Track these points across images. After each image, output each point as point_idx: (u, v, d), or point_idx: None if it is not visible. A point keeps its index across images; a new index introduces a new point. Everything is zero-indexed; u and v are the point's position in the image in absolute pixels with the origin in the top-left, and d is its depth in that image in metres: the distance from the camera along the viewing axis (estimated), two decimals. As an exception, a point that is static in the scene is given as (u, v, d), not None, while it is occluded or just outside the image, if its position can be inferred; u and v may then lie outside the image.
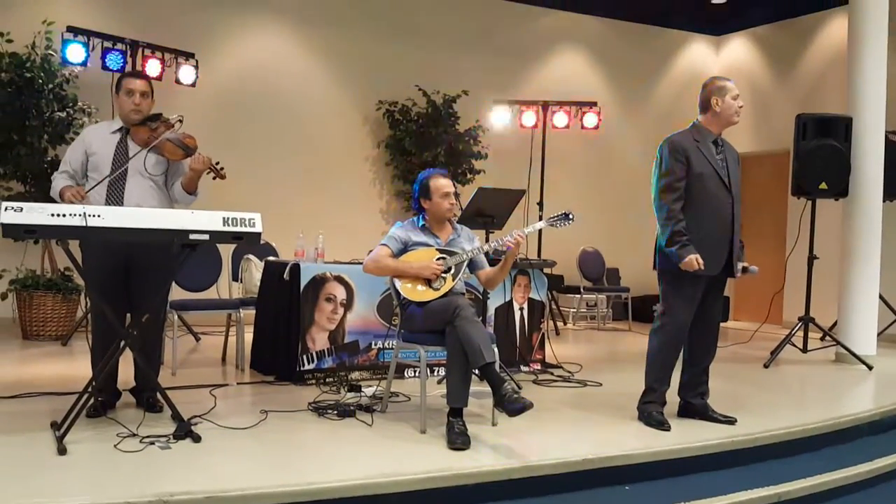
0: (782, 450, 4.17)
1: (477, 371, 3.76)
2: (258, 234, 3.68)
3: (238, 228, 3.61)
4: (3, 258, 6.79)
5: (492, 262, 4.45)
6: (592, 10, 10.09)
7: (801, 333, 7.01)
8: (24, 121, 6.53)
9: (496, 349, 3.85)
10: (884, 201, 6.85)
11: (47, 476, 3.03)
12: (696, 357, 4.37)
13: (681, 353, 4.34)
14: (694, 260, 4.07)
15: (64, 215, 3.30)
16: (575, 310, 9.23)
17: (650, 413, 4.23)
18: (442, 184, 4.26)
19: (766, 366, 6.45)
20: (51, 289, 6.52)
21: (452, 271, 4.14)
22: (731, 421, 4.24)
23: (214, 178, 4.12)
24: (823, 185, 6.71)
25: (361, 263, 4.39)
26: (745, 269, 4.32)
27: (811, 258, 6.94)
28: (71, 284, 6.61)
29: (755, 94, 10.38)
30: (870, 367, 6.39)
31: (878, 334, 6.94)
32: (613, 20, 10.28)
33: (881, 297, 6.97)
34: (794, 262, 7.41)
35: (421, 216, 4.33)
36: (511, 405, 3.55)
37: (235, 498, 2.91)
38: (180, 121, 4.10)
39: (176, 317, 5.44)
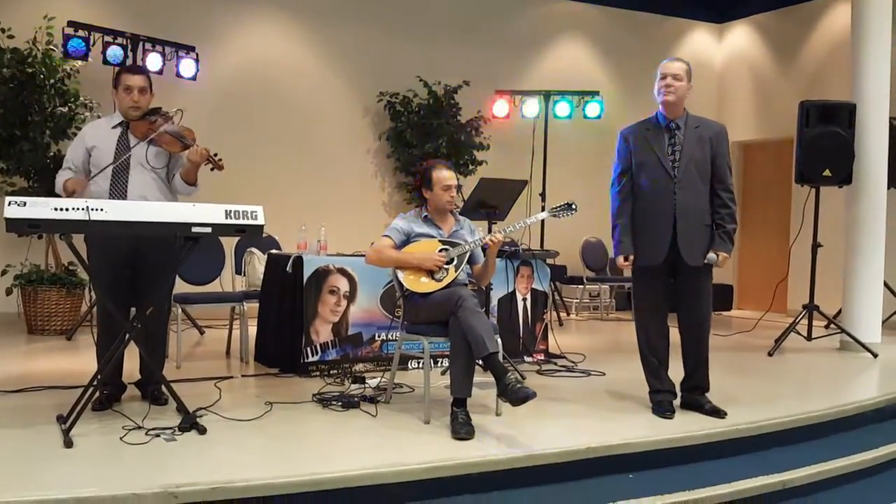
0: (786, 437, 4.18)
1: (480, 361, 3.76)
2: (261, 227, 3.68)
3: (240, 221, 3.62)
4: (8, 253, 6.81)
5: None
6: (593, -1, 10.07)
7: (805, 321, 7.00)
8: (26, 116, 6.53)
9: (499, 339, 3.86)
10: (888, 188, 6.82)
11: (54, 469, 3.05)
12: (684, 351, 4.34)
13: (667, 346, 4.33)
14: (622, 257, 4.20)
15: (67, 209, 3.31)
16: (578, 300, 9.23)
17: (658, 402, 4.26)
18: (444, 175, 4.26)
19: (770, 354, 6.45)
20: (55, 283, 6.54)
21: (455, 262, 4.15)
22: (719, 414, 4.14)
23: (212, 169, 4.13)
24: (827, 173, 6.68)
25: (364, 255, 4.40)
26: (706, 262, 4.16)
27: (815, 246, 6.92)
28: (75, 279, 6.62)
29: (758, 82, 10.35)
30: (874, 355, 6.38)
31: (883, 322, 6.92)
32: (614, 8, 10.23)
33: (886, 284, 6.95)
34: (797, 250, 7.38)
35: (424, 207, 4.34)
36: (514, 395, 3.56)
37: (241, 489, 2.92)
38: (181, 111, 4.10)
39: (180, 310, 5.45)
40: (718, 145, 4.22)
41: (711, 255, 4.15)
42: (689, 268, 4.16)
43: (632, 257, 4.20)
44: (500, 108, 8.71)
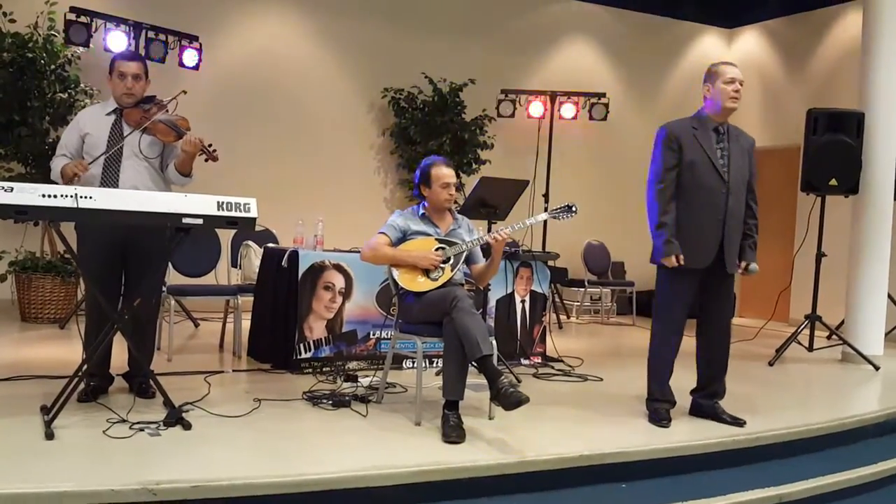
0: (784, 450, 4.10)
1: (474, 363, 3.68)
2: (253, 220, 3.61)
3: (233, 213, 3.55)
4: (3, 240, 6.76)
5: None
6: (602, 0, 9.98)
7: (807, 332, 6.91)
8: (25, 102, 6.46)
9: (494, 342, 3.78)
10: (895, 199, 6.73)
11: (33, 461, 2.98)
12: (703, 357, 4.29)
13: (692, 353, 4.25)
14: (673, 257, 4.01)
15: (55, 196, 3.24)
16: (579, 303, 9.15)
17: (655, 410, 4.18)
18: (443, 173, 4.18)
19: (770, 364, 6.37)
20: (50, 271, 6.47)
21: (451, 262, 4.07)
22: (739, 423, 4.12)
23: (206, 160, 4.05)
24: (834, 182, 6.60)
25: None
26: (745, 269, 4.18)
27: (819, 255, 6.84)
28: (70, 267, 6.55)
29: (766, 88, 10.26)
30: (876, 368, 6.30)
31: (886, 334, 6.83)
32: (624, 10, 10.15)
33: (889, 296, 6.86)
34: (801, 259, 7.30)
35: (421, 205, 4.26)
36: (507, 399, 3.48)
37: (223, 487, 2.85)
38: (176, 100, 4.02)
39: (173, 302, 5.38)
40: (752, 157, 4.22)
41: (754, 266, 4.16)
42: (722, 274, 4.13)
43: (681, 257, 4.05)
44: (506, 107, 8.64)
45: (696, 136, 4.08)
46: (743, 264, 4.19)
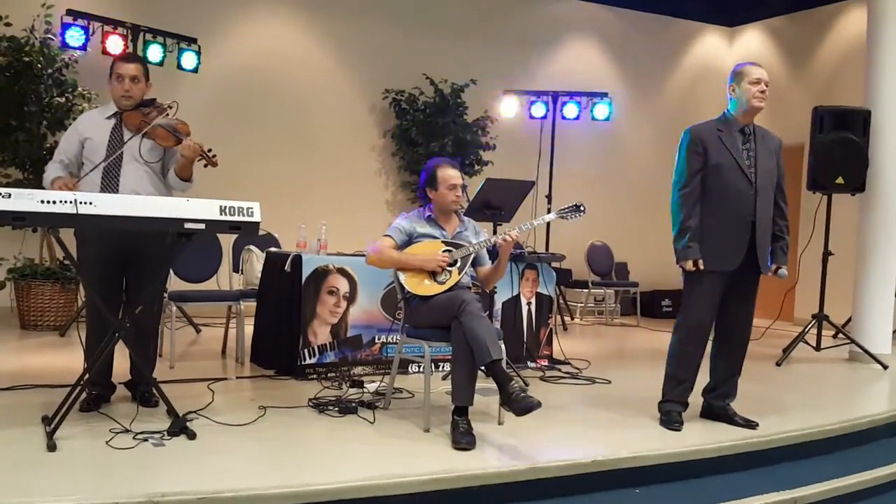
0: (798, 452, 4.06)
1: (483, 368, 3.62)
2: (256, 224, 3.54)
3: (235, 218, 3.48)
4: (1, 246, 6.67)
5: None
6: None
7: (814, 331, 6.86)
8: (22, 106, 6.38)
9: (503, 345, 3.72)
10: (902, 197, 6.68)
11: (34, 474, 2.91)
12: (719, 357, 4.24)
13: (705, 353, 4.19)
14: (691, 261, 3.97)
15: (54, 202, 3.17)
16: (583, 304, 9.09)
17: (667, 412, 4.12)
18: (450, 174, 4.11)
19: (778, 364, 6.31)
20: (49, 278, 6.39)
21: (458, 264, 4.00)
22: (751, 425, 4.08)
23: (206, 166, 3.98)
24: (840, 180, 6.55)
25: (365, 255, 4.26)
26: (775, 272, 4.15)
27: (826, 254, 6.78)
28: (70, 274, 6.47)
29: (770, 87, 10.14)
30: (884, 367, 6.25)
31: (894, 332, 6.77)
32: (625, 9, 10.09)
33: (897, 294, 6.81)
34: (807, 258, 7.24)
35: (427, 207, 4.19)
36: (518, 404, 3.41)
37: (229, 499, 2.79)
38: (172, 106, 3.95)
39: (175, 308, 5.31)
40: (780, 157, 4.18)
41: (783, 271, 4.16)
42: (750, 276, 4.09)
43: (700, 262, 4.01)
44: (508, 107, 8.59)
45: (721, 138, 4.04)
46: (773, 267, 4.16)
